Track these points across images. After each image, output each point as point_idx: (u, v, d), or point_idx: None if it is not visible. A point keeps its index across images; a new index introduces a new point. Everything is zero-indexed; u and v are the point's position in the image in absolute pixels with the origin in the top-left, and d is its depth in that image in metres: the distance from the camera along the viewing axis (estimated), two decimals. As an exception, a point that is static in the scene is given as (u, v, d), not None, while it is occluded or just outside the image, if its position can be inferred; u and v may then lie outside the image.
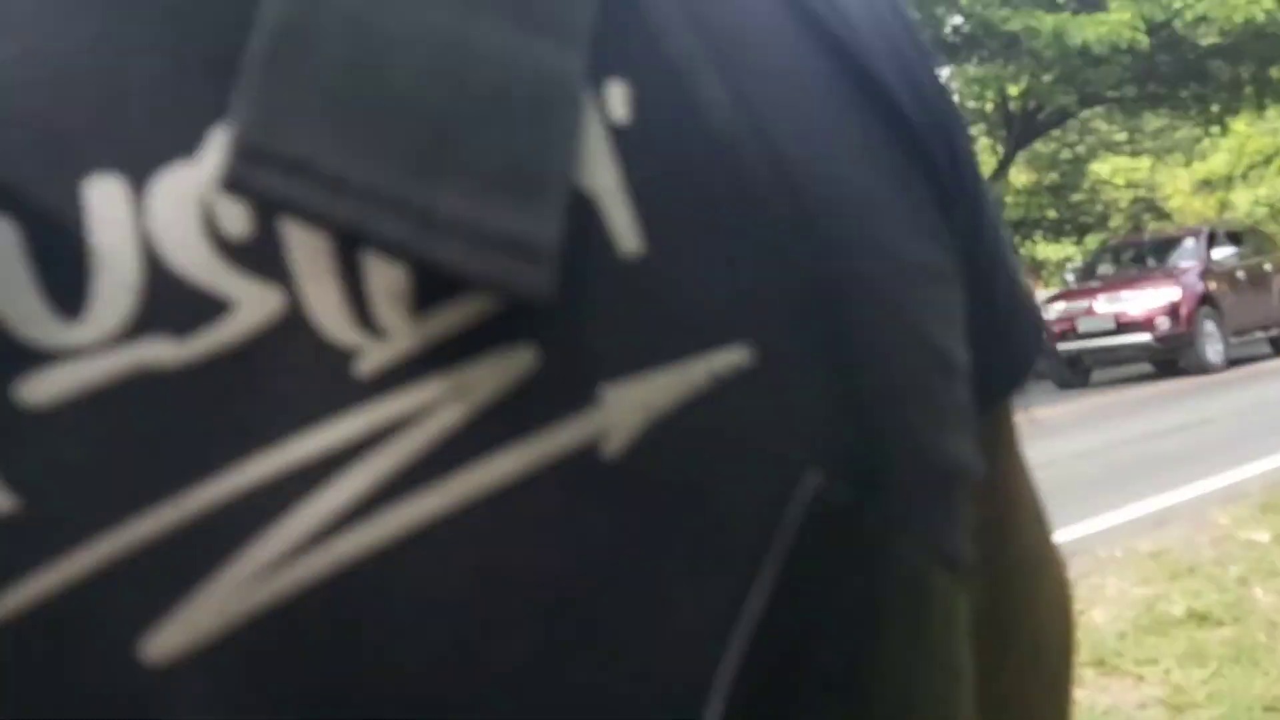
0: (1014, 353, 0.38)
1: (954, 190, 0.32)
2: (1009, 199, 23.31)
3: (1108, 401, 11.90)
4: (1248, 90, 21.54)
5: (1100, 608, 4.25)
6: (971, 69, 20.95)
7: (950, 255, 0.31)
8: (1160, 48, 18.65)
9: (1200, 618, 4.00)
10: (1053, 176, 28.01)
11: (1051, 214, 26.64)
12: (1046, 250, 35.57)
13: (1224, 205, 43.62)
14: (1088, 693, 3.54)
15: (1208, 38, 17.87)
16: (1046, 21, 16.92)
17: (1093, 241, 34.33)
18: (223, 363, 0.22)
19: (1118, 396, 12.33)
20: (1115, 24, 16.96)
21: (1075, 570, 4.80)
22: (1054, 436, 9.41)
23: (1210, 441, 8.09)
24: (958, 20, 19.17)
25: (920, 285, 0.29)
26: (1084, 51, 17.33)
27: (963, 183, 0.33)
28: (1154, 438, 8.59)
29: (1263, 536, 5.02)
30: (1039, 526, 0.45)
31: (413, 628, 0.22)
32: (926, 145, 0.30)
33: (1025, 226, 27.18)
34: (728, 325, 0.24)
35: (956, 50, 20.51)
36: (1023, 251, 31.64)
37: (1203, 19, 17.34)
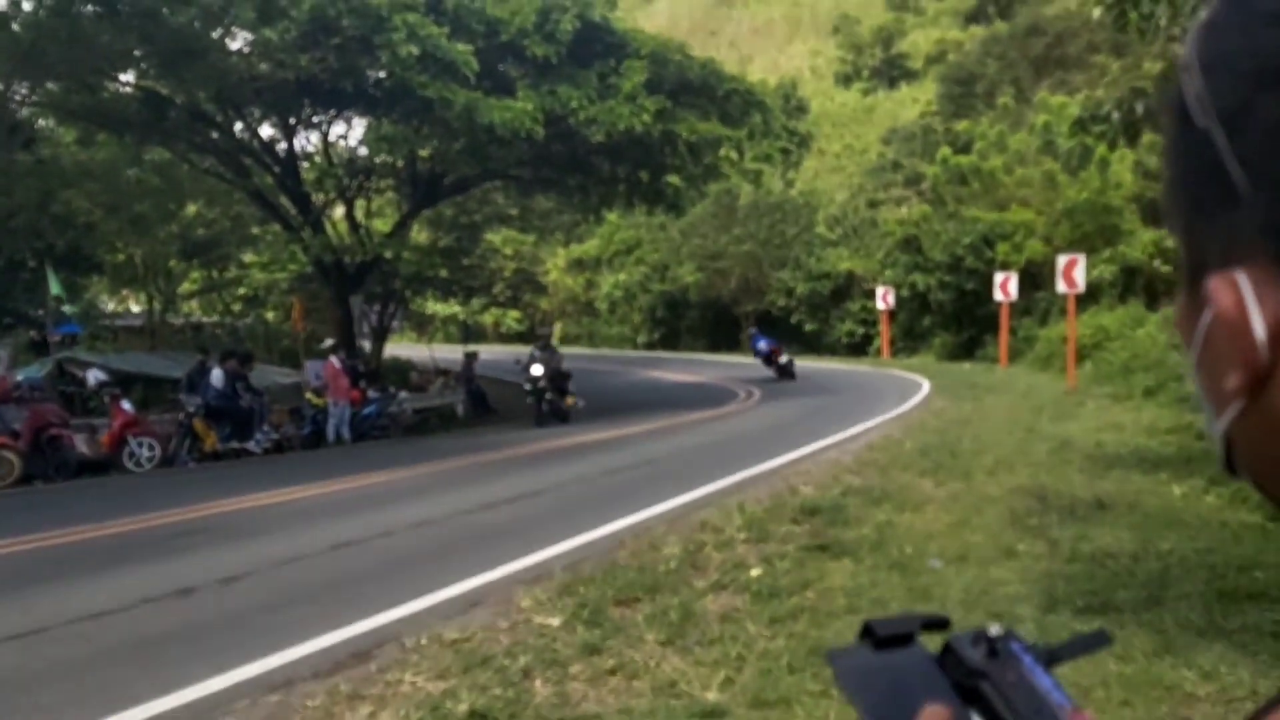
0: None
1: None
2: (407, 254, 23.83)
3: (454, 467, 12.44)
4: (622, 188, 24.47)
5: (390, 710, 4.21)
6: (386, 126, 21.20)
7: None
8: (555, 138, 20.26)
9: (479, 717, 4.11)
10: (448, 240, 29.26)
11: (444, 273, 27.82)
12: (435, 306, 37.27)
13: (590, 284, 49.15)
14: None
15: (595, 137, 19.67)
16: (460, 96, 17.59)
17: (478, 304, 36.75)
18: None
19: (463, 461, 12.94)
20: (519, 111, 18.08)
21: (378, 663, 4.73)
22: (393, 504, 9.56)
23: (535, 514, 8.73)
24: (381, 75, 19.29)
25: None
26: (489, 130, 18.26)
27: None
28: (489, 508, 9.06)
29: (555, 621, 5.40)
30: None
31: None
32: None
33: (418, 283, 28.09)
34: None
35: (377, 104, 20.75)
36: (414, 306, 32.71)
37: (593, 120, 19.09)
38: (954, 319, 32.11)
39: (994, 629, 0.72)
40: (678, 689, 4.50)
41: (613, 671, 4.71)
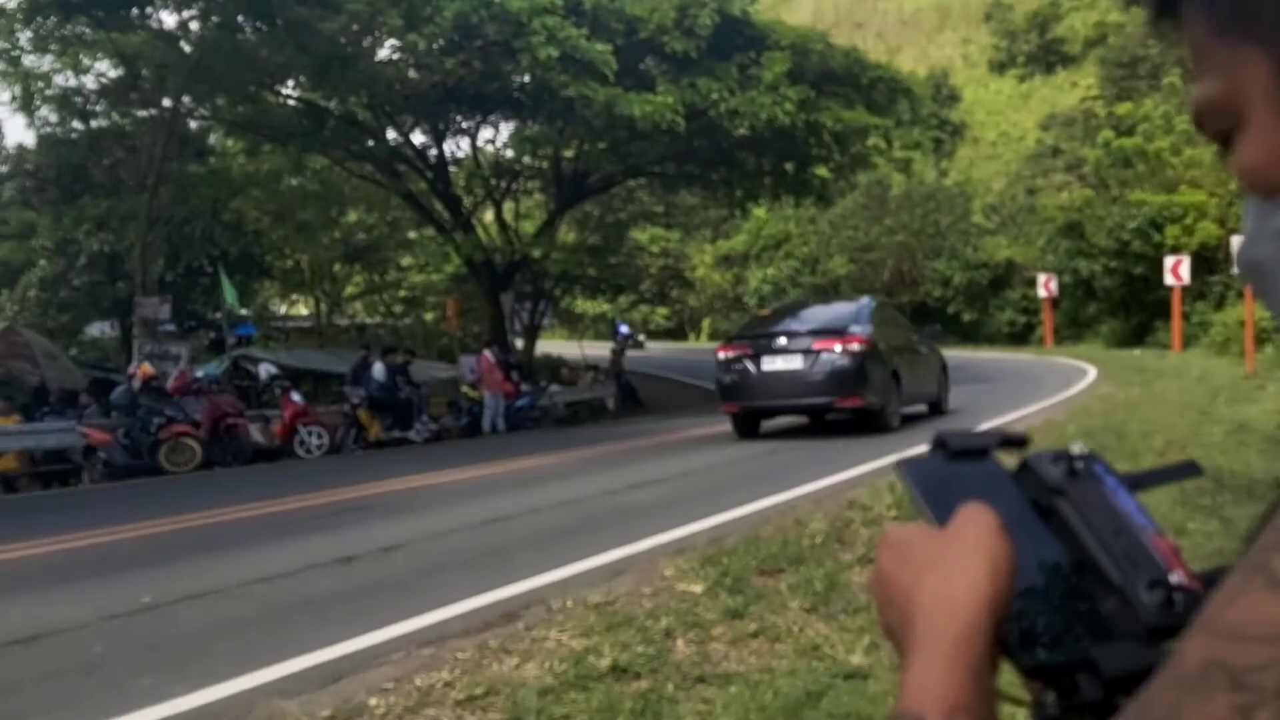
0: None
1: None
2: (554, 254, 24.31)
3: (602, 453, 12.61)
4: (767, 180, 24.31)
5: (535, 662, 4.31)
6: (530, 128, 21.69)
7: None
8: (697, 133, 20.33)
9: (621, 671, 4.16)
10: (594, 239, 29.66)
11: (591, 272, 28.23)
12: (585, 305, 37.85)
13: (738, 280, 48.96)
14: (499, 751, 3.53)
15: (738, 129, 19.63)
16: (600, 93, 17.86)
17: (625, 301, 37.10)
18: None
19: (612, 448, 13.10)
20: (660, 105, 18.22)
21: (525, 622, 4.85)
22: (543, 485, 9.76)
23: (681, 493, 8.77)
24: (524, 78, 19.78)
25: None
26: (630, 125, 18.45)
27: None
28: (635, 488, 9.14)
29: (697, 588, 5.41)
30: None
31: None
32: None
33: (566, 281, 28.59)
34: None
35: (521, 107, 21.28)
36: (563, 304, 33.32)
37: (735, 112, 19.07)
38: (1121, 305, 30.66)
39: (1077, 447, 0.68)
40: (820, 652, 4.44)
41: (755, 635, 4.70)
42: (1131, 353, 26.15)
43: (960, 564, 0.59)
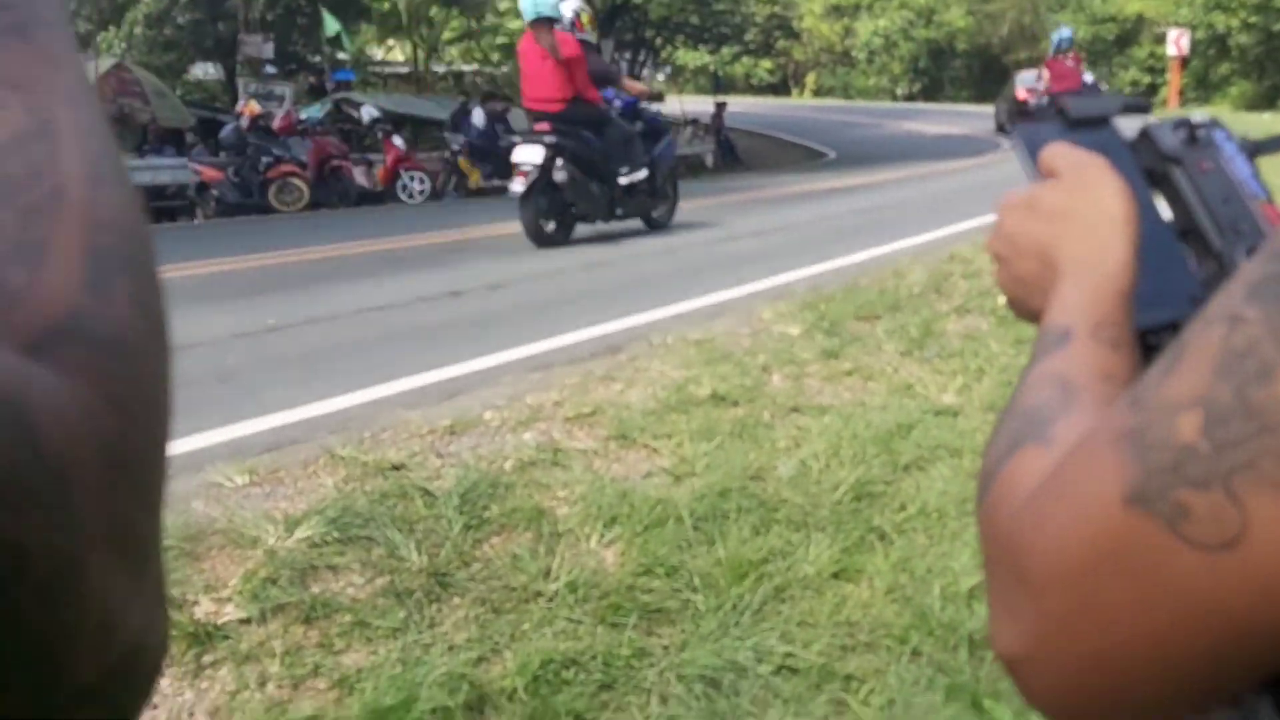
0: None
1: None
2: (656, -1, 23.37)
3: (700, 206, 12.58)
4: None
5: (638, 388, 4.53)
6: None
7: None
8: None
9: (719, 398, 4.35)
10: (698, -19, 28.35)
11: (694, 19, 27.06)
12: (686, 56, 36.52)
13: (848, 32, 46.65)
14: (604, 463, 3.78)
15: None
16: None
17: (728, 52, 35.69)
18: None
19: (709, 201, 13.05)
20: None
21: (628, 354, 5.06)
22: (641, 234, 9.85)
23: (780, 245, 8.81)
24: None
25: None
26: None
27: None
28: (734, 239, 9.21)
29: (794, 330, 5.54)
30: None
31: None
32: None
33: (668, 30, 27.50)
34: None
35: None
36: (664, 56, 32.22)
37: None
38: (1256, 65, 28.63)
39: (1198, 115, 0.68)
40: (913, 391, 4.57)
41: (849, 373, 4.83)
42: (1260, 116, 24.60)
43: (1099, 208, 0.59)
